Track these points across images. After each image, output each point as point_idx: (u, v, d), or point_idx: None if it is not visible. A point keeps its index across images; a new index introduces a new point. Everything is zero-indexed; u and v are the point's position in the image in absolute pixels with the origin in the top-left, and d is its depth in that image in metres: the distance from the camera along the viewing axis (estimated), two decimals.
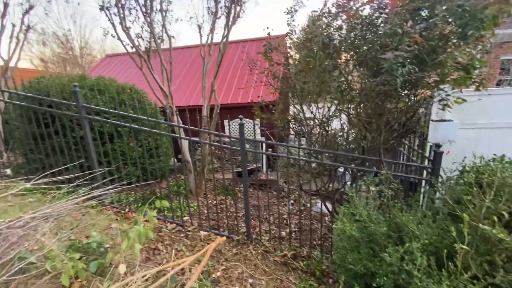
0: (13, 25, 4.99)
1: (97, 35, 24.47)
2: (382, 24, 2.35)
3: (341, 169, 3.70)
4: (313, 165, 3.88)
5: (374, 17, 2.41)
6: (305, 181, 4.15)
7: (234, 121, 7.15)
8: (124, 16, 3.47)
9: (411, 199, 2.24)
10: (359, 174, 2.78)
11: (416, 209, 2.11)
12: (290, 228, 3.17)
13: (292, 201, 4.36)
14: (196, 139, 2.96)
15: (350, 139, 3.05)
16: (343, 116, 3.24)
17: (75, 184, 2.46)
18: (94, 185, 2.71)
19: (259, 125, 5.95)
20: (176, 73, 8.76)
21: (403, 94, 2.54)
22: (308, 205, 3.88)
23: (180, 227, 3.16)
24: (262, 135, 6.32)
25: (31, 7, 4.65)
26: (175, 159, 4.44)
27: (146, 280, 1.59)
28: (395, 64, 1.81)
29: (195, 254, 1.94)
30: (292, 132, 4.15)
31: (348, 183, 3.00)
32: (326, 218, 3.91)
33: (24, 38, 5.27)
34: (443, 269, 1.48)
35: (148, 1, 3.42)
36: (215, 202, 4.41)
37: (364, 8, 2.51)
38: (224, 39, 3.92)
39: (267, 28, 3.49)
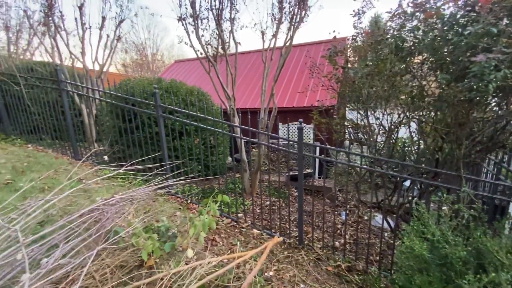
0: (108, 36, 5.96)
1: (166, 43, 27.34)
2: (469, 24, 2.09)
3: (407, 183, 3.39)
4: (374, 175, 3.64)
5: (459, 15, 2.16)
6: (363, 192, 3.91)
7: (290, 124, 7.15)
8: (198, 25, 3.84)
9: (497, 223, 1.93)
10: (430, 189, 2.50)
11: (503, 235, 1.81)
12: (344, 239, 3.03)
13: (347, 212, 4.17)
14: (254, 140, 3.07)
15: (420, 150, 2.77)
16: (413, 124, 2.97)
17: (150, 174, 2.81)
18: (165, 176, 3.04)
19: (314, 130, 5.85)
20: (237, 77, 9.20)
21: (493, 103, 2.21)
22: (365, 217, 3.65)
23: (235, 223, 3.32)
24: (315, 141, 6.20)
25: (122, 21, 5.49)
26: (232, 158, 4.67)
27: (213, 266, 1.73)
28: (487, 68, 1.60)
29: (254, 250, 2.03)
30: (348, 138, 3.97)
31: (415, 198, 2.73)
32: (386, 234, 3.61)
33: (115, 46, 6.24)
34: None
35: (219, 11, 3.71)
36: (267, 202, 4.50)
37: (447, 7, 2.27)
38: (287, 43, 3.99)
39: (333, 31, 3.42)
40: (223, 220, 3.33)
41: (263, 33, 4.16)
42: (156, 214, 2.92)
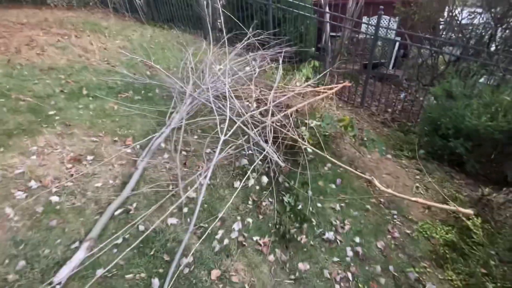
0: None
1: None
2: None
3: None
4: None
5: None
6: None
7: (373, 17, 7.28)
8: None
9: None
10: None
11: None
12: (395, 108, 4.24)
13: (406, 94, 5.13)
14: (339, 24, 4.08)
15: None
16: None
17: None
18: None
19: (397, 23, 6.11)
20: None
21: None
22: (421, 98, 4.60)
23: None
24: (397, 35, 6.46)
25: None
26: (315, 48, 5.80)
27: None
28: None
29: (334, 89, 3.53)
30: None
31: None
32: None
33: None
34: None
35: None
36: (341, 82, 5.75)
37: None
38: None
39: None
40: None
41: None
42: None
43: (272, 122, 2.80)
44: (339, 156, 3.08)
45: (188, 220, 2.01)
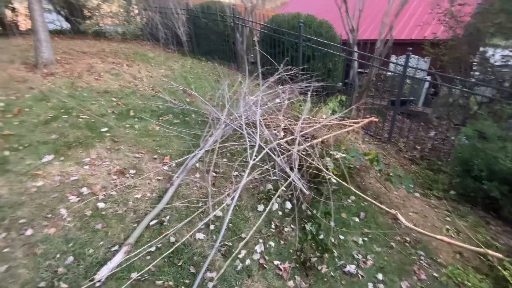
0: None
1: None
2: None
3: None
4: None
5: None
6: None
7: (401, 57, 7.45)
8: None
9: None
10: None
11: None
12: (425, 145, 4.18)
13: (436, 132, 5.04)
14: (367, 63, 4.29)
15: None
16: None
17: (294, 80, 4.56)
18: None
19: (427, 64, 6.20)
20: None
21: None
22: (452, 137, 4.51)
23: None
24: (428, 74, 6.51)
25: None
26: (343, 83, 6.02)
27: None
28: None
29: (360, 123, 3.64)
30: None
31: None
32: None
33: None
34: None
35: None
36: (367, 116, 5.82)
37: None
38: None
39: None
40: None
41: None
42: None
43: (298, 151, 2.94)
44: (363, 190, 3.09)
45: (214, 237, 2.14)
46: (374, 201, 2.66)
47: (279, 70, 4.25)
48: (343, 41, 6.01)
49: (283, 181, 2.69)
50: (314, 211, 2.62)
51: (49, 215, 2.01)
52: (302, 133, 3.16)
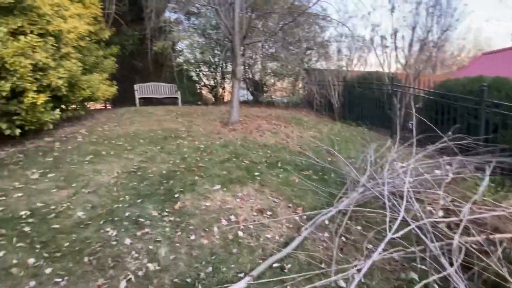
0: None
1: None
2: None
3: None
4: None
5: None
6: None
7: None
8: None
9: None
10: None
11: None
12: None
13: None
14: None
15: None
16: None
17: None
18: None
19: None
20: None
21: None
22: None
23: None
24: None
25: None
26: None
27: None
28: None
29: None
30: None
31: None
32: None
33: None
34: None
35: None
36: None
37: None
38: None
39: None
40: None
41: None
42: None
43: (466, 242, 2.23)
44: None
45: None
46: None
47: (443, 138, 3.61)
48: None
49: (435, 273, 2.08)
50: None
51: (207, 229, 2.61)
52: (472, 217, 2.40)
